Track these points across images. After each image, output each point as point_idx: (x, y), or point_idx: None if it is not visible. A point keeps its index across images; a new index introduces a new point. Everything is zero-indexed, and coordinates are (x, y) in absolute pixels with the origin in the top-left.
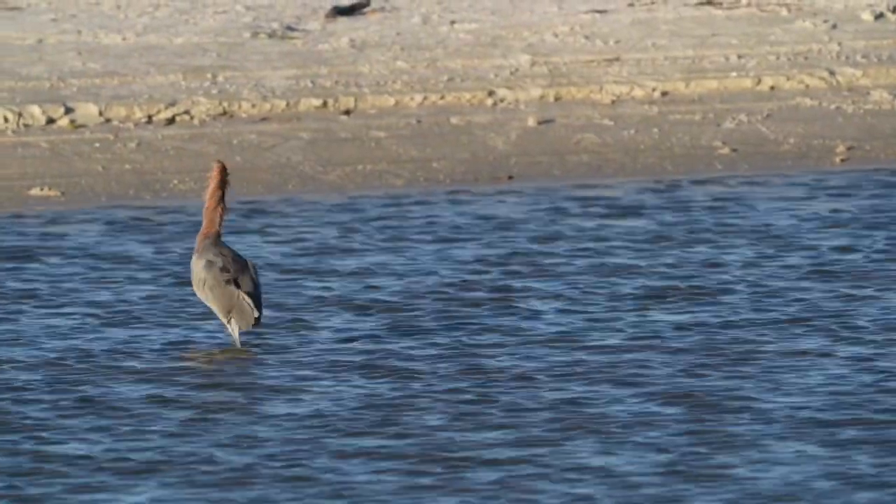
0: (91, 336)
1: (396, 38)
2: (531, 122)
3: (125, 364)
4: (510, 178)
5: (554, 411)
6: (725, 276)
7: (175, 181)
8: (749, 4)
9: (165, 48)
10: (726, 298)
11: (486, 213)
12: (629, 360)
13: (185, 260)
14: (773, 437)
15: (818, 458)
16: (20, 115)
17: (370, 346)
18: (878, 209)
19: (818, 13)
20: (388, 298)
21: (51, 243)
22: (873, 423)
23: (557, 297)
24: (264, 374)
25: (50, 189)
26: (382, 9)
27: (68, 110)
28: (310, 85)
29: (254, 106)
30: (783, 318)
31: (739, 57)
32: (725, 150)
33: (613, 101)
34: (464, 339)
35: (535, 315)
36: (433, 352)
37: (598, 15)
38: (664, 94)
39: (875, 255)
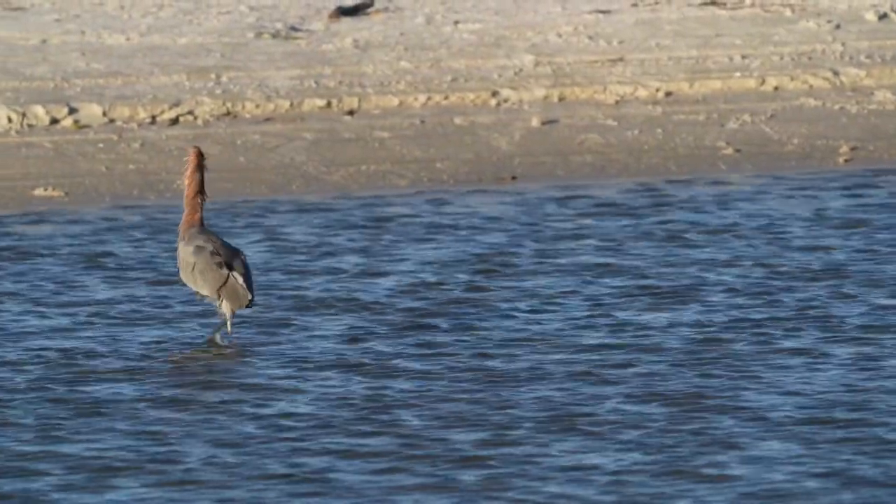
0: (92, 335)
1: (400, 38)
2: (535, 122)
3: (123, 364)
4: (514, 178)
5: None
6: (726, 278)
7: (179, 181)
8: (753, 5)
9: (169, 48)
10: (728, 298)
11: (490, 212)
12: (629, 359)
13: None
14: (767, 437)
15: (810, 458)
16: (24, 115)
17: (367, 346)
18: (884, 208)
19: (822, 13)
20: (382, 299)
21: (53, 242)
22: (871, 423)
23: (558, 295)
24: (260, 372)
25: (54, 189)
26: (386, 9)
27: (72, 110)
28: (313, 85)
29: (257, 106)
30: (786, 317)
31: (743, 57)
32: (729, 151)
33: (617, 102)
34: (466, 338)
35: (537, 313)
36: (430, 351)
37: (601, 15)
38: (668, 94)
39: (879, 256)
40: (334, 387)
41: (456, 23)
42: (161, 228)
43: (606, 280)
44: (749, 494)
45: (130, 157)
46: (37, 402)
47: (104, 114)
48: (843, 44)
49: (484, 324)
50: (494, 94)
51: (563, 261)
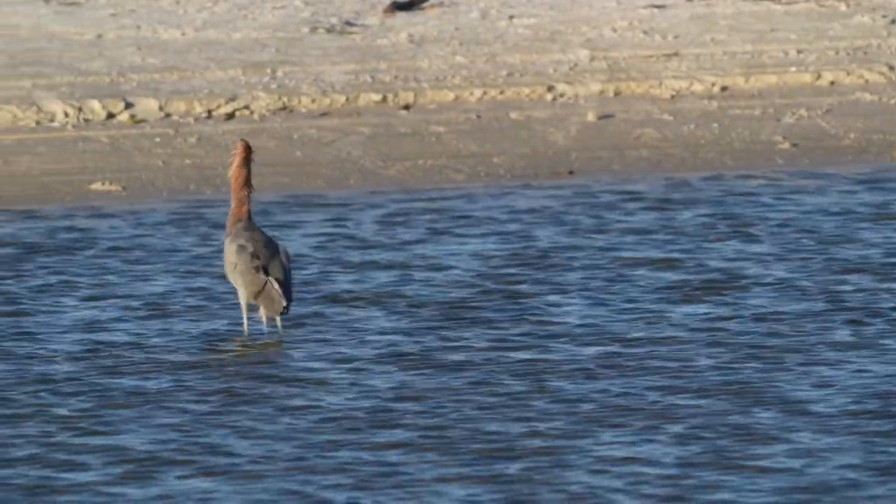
0: (145, 328)
1: (455, 33)
2: (591, 117)
3: (171, 357)
4: (570, 172)
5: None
6: (781, 273)
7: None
8: (808, 0)
9: (224, 43)
10: (784, 292)
11: (547, 206)
12: (676, 353)
13: None
14: (809, 430)
15: (852, 451)
16: (80, 109)
17: (420, 340)
18: None
19: (877, 8)
20: (438, 293)
21: (111, 236)
22: None
23: (614, 290)
24: (310, 365)
25: (111, 183)
26: (441, 4)
27: (128, 105)
28: (369, 80)
29: (313, 101)
30: (840, 311)
31: (798, 52)
32: (786, 146)
33: (673, 96)
34: (522, 330)
35: (591, 306)
36: (479, 344)
37: (656, 10)
38: (724, 88)
39: None
40: (384, 380)
41: (511, 17)
42: (219, 223)
43: (667, 274)
44: (797, 488)
45: (187, 152)
46: (87, 393)
47: (160, 108)
48: None
49: (538, 317)
50: (550, 88)
51: (623, 254)
